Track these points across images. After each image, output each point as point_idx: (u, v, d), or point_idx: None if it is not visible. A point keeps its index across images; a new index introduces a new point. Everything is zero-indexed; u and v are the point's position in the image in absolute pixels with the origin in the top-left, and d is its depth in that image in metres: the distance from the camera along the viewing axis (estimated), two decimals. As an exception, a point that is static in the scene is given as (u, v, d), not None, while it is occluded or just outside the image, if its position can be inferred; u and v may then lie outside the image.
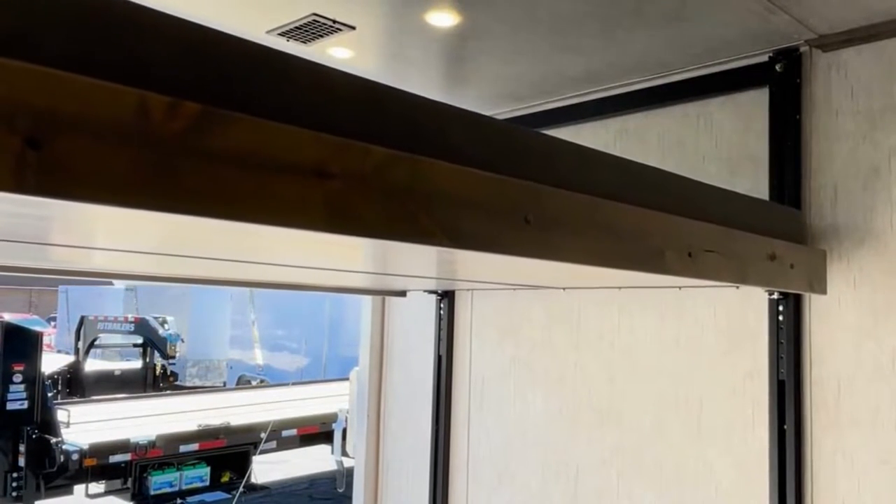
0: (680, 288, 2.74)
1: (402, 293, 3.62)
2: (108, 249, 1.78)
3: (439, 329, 3.58)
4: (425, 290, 3.57)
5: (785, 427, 2.46)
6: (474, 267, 2.06)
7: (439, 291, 3.55)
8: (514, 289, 3.21)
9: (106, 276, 2.81)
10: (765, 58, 2.61)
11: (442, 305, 3.57)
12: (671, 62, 2.78)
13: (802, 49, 2.55)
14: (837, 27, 2.42)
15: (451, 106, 1.38)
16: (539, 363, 3.23)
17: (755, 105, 2.65)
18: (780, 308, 2.48)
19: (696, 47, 2.64)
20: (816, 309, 2.46)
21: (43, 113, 0.75)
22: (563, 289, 3.09)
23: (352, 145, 1.07)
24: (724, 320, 2.67)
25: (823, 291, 2.40)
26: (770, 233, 2.14)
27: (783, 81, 2.56)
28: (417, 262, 1.95)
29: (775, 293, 2.48)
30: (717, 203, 2.02)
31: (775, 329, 2.50)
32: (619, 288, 2.93)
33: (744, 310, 2.62)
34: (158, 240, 1.50)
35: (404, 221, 1.14)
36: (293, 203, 0.99)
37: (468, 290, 3.47)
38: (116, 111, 0.81)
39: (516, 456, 3.29)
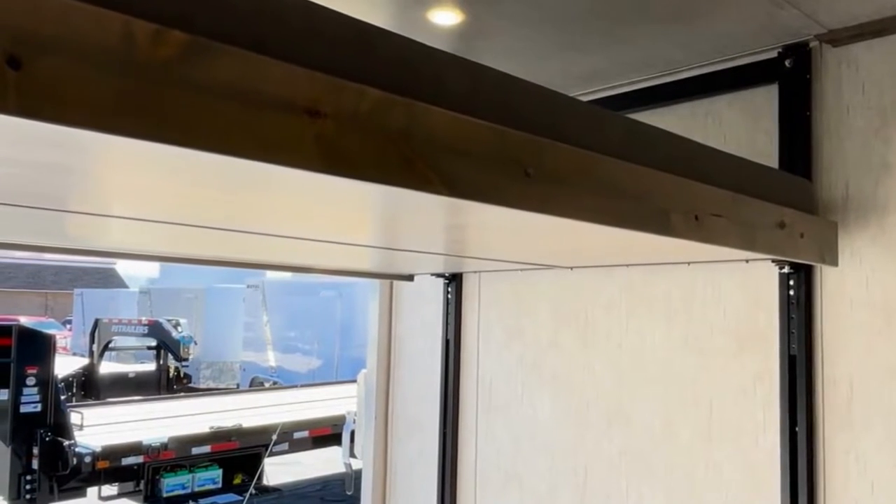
0: (689, 264, 2.70)
1: (410, 277, 3.60)
2: (122, 217, 1.76)
3: (447, 314, 3.57)
4: (432, 274, 3.55)
5: (797, 429, 2.42)
6: (480, 235, 2.03)
7: (447, 274, 3.53)
8: (522, 269, 3.16)
9: (119, 256, 2.80)
10: (774, 54, 2.56)
11: (449, 290, 3.56)
12: (678, 60, 2.74)
13: (812, 44, 2.50)
14: (847, 22, 2.37)
15: (449, 53, 1.35)
16: (546, 364, 3.20)
17: (764, 102, 2.61)
18: (791, 283, 2.45)
19: (704, 44, 2.60)
20: (828, 310, 2.42)
21: (24, 33, 0.74)
22: (571, 268, 3.05)
23: (345, 86, 1.05)
24: (733, 321, 2.63)
25: (834, 263, 2.35)
26: (780, 201, 2.09)
27: (793, 78, 2.52)
28: (422, 228, 1.91)
29: (785, 267, 2.44)
30: (725, 168, 1.98)
31: (785, 303, 2.46)
32: (627, 266, 2.89)
33: (754, 311, 2.58)
34: (168, 198, 1.48)
35: (399, 166, 1.12)
36: (283, 140, 0.97)
37: (475, 271, 3.44)
38: (100, 36, 0.80)
39: (524, 458, 3.26)
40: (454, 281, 3.55)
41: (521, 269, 3.22)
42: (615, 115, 1.74)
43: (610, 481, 2.94)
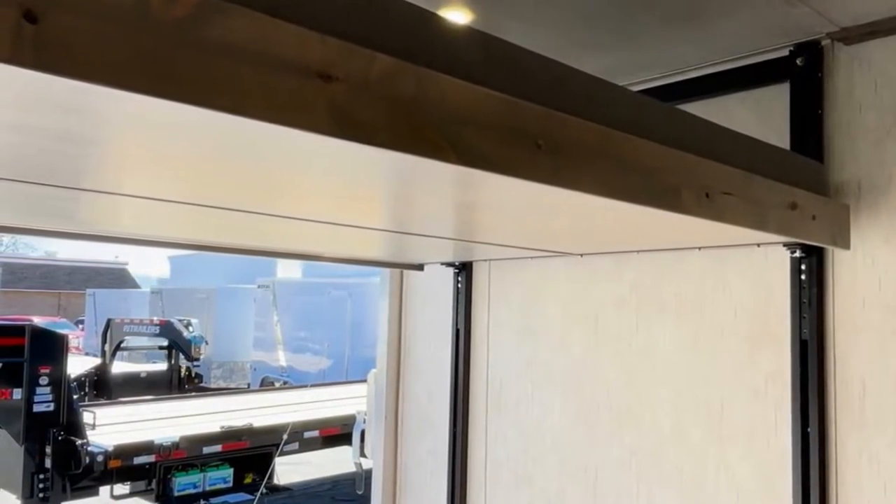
0: (700, 248, 2.69)
1: (420, 266, 3.61)
2: (134, 196, 1.77)
3: (457, 303, 3.58)
4: (442, 263, 3.55)
5: (809, 429, 2.40)
6: (490, 215, 2.03)
7: (456, 263, 3.54)
8: (532, 256, 3.15)
9: (129, 242, 2.79)
10: (785, 52, 2.55)
11: (459, 279, 3.57)
12: (690, 59, 2.73)
13: (824, 42, 2.49)
14: (860, 20, 2.36)
15: (461, 24, 1.35)
16: (556, 364, 3.20)
17: (776, 100, 2.60)
18: (803, 267, 2.44)
19: (716, 43, 2.59)
20: (840, 309, 2.40)
21: None
22: (581, 255, 3.04)
23: (356, 51, 1.06)
24: (744, 322, 2.61)
25: (846, 246, 2.34)
26: (792, 182, 2.08)
27: (804, 76, 2.51)
28: (433, 207, 1.91)
29: (797, 250, 2.42)
30: (737, 147, 1.97)
31: (797, 287, 2.44)
32: (637, 252, 2.88)
33: (766, 310, 2.56)
34: (180, 171, 1.48)
35: (409, 133, 1.13)
36: (294, 102, 0.98)
37: (485, 260, 3.43)
38: None
39: (534, 458, 3.25)
40: (464, 270, 3.56)
41: (532, 257, 3.20)
42: (627, 91, 1.73)
43: (620, 482, 2.93)
